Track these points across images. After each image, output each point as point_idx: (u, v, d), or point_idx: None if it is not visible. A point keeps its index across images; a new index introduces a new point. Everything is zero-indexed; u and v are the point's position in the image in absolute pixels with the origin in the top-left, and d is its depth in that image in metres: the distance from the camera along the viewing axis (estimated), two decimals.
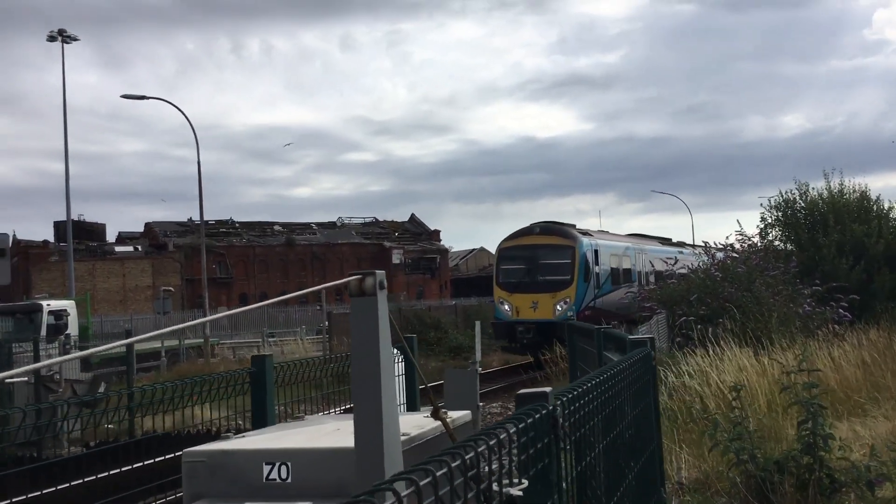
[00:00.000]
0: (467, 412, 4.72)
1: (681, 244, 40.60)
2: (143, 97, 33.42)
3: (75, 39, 44.38)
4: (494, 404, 19.14)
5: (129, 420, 7.25)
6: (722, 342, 15.63)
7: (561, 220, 33.48)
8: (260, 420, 5.46)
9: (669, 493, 8.46)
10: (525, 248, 30.48)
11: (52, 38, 44.00)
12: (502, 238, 32.05)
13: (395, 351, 8.19)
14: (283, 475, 3.72)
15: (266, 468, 3.73)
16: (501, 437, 2.22)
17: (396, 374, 7.91)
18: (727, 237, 29.19)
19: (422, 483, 1.66)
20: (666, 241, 40.66)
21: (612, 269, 32.37)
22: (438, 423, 4.12)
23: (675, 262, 36.06)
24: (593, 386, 3.27)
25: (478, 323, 15.56)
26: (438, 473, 1.74)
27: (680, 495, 8.99)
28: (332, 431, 4.09)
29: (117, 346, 3.62)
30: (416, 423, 4.15)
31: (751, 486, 8.27)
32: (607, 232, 36.46)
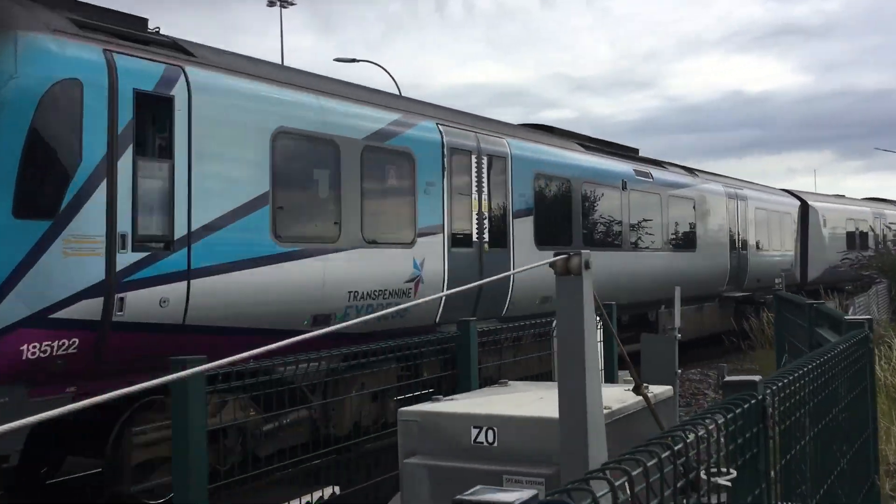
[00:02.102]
0: (669, 388, 4.72)
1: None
2: (353, 60, 34.89)
3: (292, 4, 47.01)
4: (693, 370, 18.67)
5: None
6: None
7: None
8: (464, 383, 5.73)
9: (884, 478, 8.01)
10: None
11: (271, 4, 46.86)
12: None
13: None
14: (490, 439, 3.93)
15: (474, 431, 3.96)
16: (710, 427, 2.26)
17: None
18: None
19: (634, 473, 1.76)
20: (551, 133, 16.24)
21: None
22: (640, 398, 4.17)
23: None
24: (805, 373, 3.20)
25: (677, 288, 15.19)
26: (649, 464, 1.83)
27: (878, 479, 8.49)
28: (536, 400, 4.25)
29: None
30: (617, 397, 4.23)
31: None
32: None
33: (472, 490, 1.39)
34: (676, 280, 15.17)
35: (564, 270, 3.38)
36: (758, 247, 23.09)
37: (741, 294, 21.68)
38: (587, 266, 3.37)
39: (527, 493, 1.39)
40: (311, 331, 2.57)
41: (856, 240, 29.52)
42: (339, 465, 6.53)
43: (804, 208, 27.00)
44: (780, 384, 2.87)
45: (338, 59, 33.29)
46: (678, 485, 2.01)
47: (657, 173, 18.11)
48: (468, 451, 3.97)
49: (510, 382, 4.88)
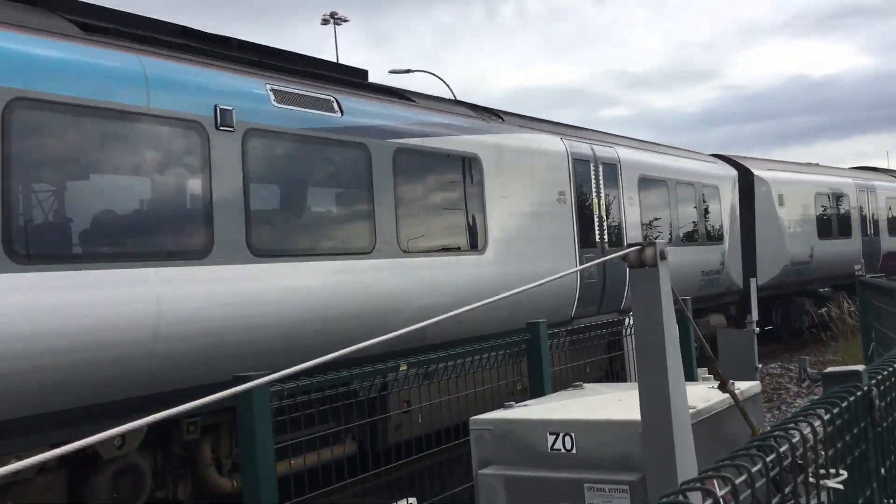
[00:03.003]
0: (756, 383, 4.45)
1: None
2: (408, 70, 35.07)
3: (346, 21, 47.56)
4: (773, 364, 18.07)
5: None
6: None
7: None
8: (537, 387, 5.53)
9: None
10: None
11: (325, 21, 47.49)
12: None
13: None
14: (568, 445, 3.73)
15: (550, 438, 3.77)
16: (816, 424, 2.04)
17: None
18: None
19: (738, 481, 1.56)
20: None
21: None
22: (725, 395, 3.93)
23: None
24: None
25: (753, 280, 14.73)
26: (754, 469, 1.62)
27: None
28: (614, 402, 4.04)
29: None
30: (701, 396, 3.99)
31: None
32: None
33: None
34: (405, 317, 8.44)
35: (638, 262, 3.17)
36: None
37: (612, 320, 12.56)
38: (663, 256, 3.16)
39: None
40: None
41: (831, 223, 21.37)
42: (413, 477, 6.39)
43: (747, 180, 18.49)
44: (885, 373, 2.62)
45: (392, 71, 33.45)
46: (787, 491, 1.80)
47: (361, 107, 9.19)
48: (545, 458, 3.78)
49: (585, 385, 4.67)
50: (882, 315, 8.40)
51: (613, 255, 3.22)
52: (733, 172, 18.15)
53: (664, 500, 1.43)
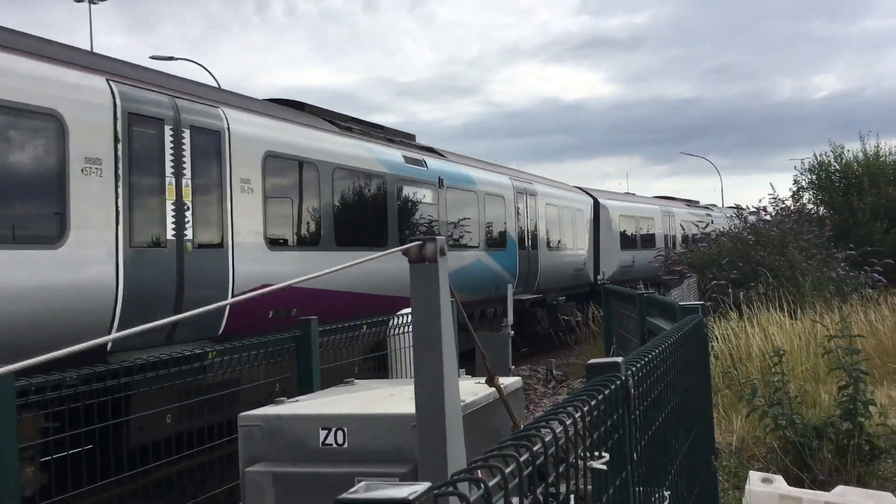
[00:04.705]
0: (518, 378, 4.69)
1: None
2: (171, 58, 33.42)
3: (102, 0, 44.38)
4: (523, 367, 19.16)
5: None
6: (754, 306, 15.47)
7: None
8: (306, 384, 5.47)
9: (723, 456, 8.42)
10: None
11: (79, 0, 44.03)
12: None
13: None
14: (340, 440, 3.72)
15: (322, 433, 3.73)
16: (585, 409, 2.17)
17: None
18: (760, 200, 26.97)
19: (507, 470, 1.62)
20: None
21: None
22: (491, 389, 4.10)
23: None
24: (659, 353, 3.22)
25: (510, 285, 15.53)
26: (522, 459, 1.69)
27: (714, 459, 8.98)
28: (386, 397, 4.08)
29: None
30: (469, 390, 4.13)
31: (788, 452, 8.23)
32: None
33: (355, 488, 1.20)
34: None
35: (419, 258, 3.23)
36: None
37: None
38: (443, 252, 3.24)
39: (421, 487, 1.21)
40: None
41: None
42: (172, 480, 6.07)
43: None
44: (639, 364, 2.85)
45: (154, 57, 31.75)
46: (560, 470, 1.89)
47: None
48: (317, 454, 3.74)
49: (356, 381, 4.68)
50: (622, 319, 9.18)
51: (397, 249, 3.25)
52: None
53: (436, 491, 1.44)
